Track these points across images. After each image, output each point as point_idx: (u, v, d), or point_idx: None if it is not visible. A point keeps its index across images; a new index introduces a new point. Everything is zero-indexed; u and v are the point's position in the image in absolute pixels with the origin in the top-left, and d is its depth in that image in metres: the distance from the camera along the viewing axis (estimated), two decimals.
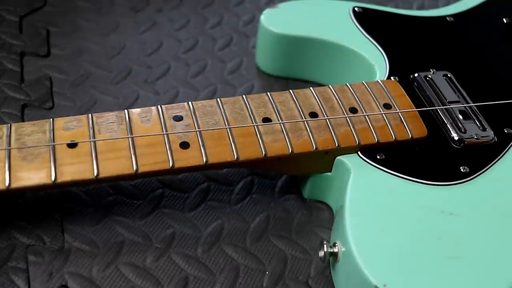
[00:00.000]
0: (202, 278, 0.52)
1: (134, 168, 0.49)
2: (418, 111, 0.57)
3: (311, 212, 0.59)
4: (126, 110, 0.53)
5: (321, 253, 0.50)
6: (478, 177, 0.54)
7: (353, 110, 0.56)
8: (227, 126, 0.53)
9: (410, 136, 0.55)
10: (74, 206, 0.56)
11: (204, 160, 0.51)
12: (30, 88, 0.66)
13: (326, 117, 0.55)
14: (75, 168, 0.48)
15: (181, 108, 0.54)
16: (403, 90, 0.59)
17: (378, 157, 0.54)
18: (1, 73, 0.68)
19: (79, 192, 0.57)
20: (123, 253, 0.53)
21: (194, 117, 0.53)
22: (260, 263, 0.54)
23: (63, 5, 0.78)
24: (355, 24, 0.68)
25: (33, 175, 0.48)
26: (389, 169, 0.53)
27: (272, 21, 0.69)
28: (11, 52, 0.70)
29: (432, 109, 0.59)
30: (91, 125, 0.51)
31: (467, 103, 0.60)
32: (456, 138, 0.56)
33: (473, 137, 0.56)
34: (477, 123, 0.58)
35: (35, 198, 0.56)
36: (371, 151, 0.54)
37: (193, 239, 0.55)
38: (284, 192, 0.60)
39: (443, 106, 0.59)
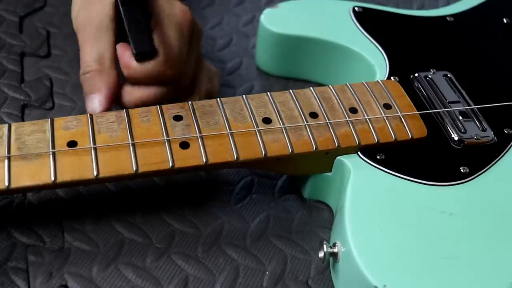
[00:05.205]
0: (202, 278, 0.52)
1: (134, 168, 0.49)
2: (418, 112, 0.57)
3: (311, 212, 0.59)
4: (125, 110, 0.53)
5: (321, 254, 0.50)
6: (478, 177, 0.54)
7: (353, 110, 0.56)
8: (228, 131, 0.53)
9: (410, 136, 0.55)
10: (74, 206, 0.56)
11: (204, 160, 0.51)
12: (30, 88, 0.66)
13: (326, 119, 0.55)
14: (75, 168, 0.48)
15: (181, 107, 0.54)
16: (403, 90, 0.59)
17: (378, 157, 0.54)
18: (1, 73, 0.68)
19: (79, 192, 0.57)
20: (123, 253, 0.53)
21: (194, 117, 0.53)
22: (260, 263, 0.54)
23: (64, 5, 0.77)
24: (355, 24, 0.68)
25: (33, 175, 0.48)
26: (389, 169, 0.53)
27: (272, 21, 0.69)
28: (11, 52, 0.70)
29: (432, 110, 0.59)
30: (90, 125, 0.51)
31: (467, 103, 0.60)
32: (456, 138, 0.56)
33: (473, 138, 0.56)
34: (477, 123, 0.58)
35: (35, 198, 0.56)
36: (371, 151, 0.54)
37: (193, 239, 0.55)
38: (284, 192, 0.60)
39: (443, 106, 0.59)
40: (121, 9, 0.54)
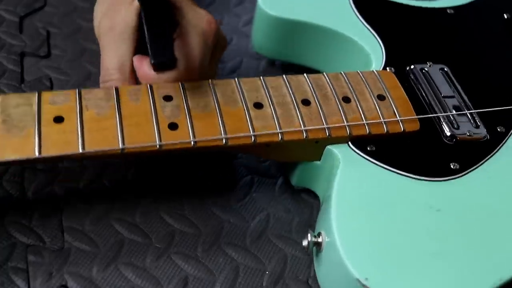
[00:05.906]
0: (202, 278, 0.52)
1: (121, 147, 0.48)
2: (412, 104, 0.57)
3: (311, 211, 0.59)
4: (115, 87, 0.52)
5: (305, 242, 0.50)
6: (468, 174, 0.53)
7: (346, 100, 0.55)
8: (218, 115, 0.52)
9: (402, 129, 0.54)
10: (74, 206, 0.56)
11: (192, 142, 0.50)
12: (30, 88, 0.66)
13: (319, 108, 0.54)
14: (60, 143, 0.47)
15: (172, 87, 0.53)
16: (398, 82, 0.58)
17: (368, 148, 0.53)
18: (1, 73, 0.68)
19: (79, 192, 0.58)
20: (123, 253, 0.53)
21: (184, 98, 0.52)
22: (260, 263, 0.54)
23: (64, 5, 0.78)
24: (354, 12, 0.67)
25: (16, 149, 0.47)
26: (379, 161, 0.52)
27: (269, 3, 0.67)
28: (11, 52, 0.70)
29: (426, 104, 0.58)
30: (78, 101, 0.50)
31: (462, 98, 0.59)
32: (448, 133, 0.55)
33: (465, 134, 0.56)
34: (471, 119, 0.57)
35: (35, 198, 0.57)
36: (362, 142, 0.53)
37: (193, 239, 0.55)
38: (284, 191, 0.60)
39: (437, 100, 0.58)
40: (143, 16, 0.52)
